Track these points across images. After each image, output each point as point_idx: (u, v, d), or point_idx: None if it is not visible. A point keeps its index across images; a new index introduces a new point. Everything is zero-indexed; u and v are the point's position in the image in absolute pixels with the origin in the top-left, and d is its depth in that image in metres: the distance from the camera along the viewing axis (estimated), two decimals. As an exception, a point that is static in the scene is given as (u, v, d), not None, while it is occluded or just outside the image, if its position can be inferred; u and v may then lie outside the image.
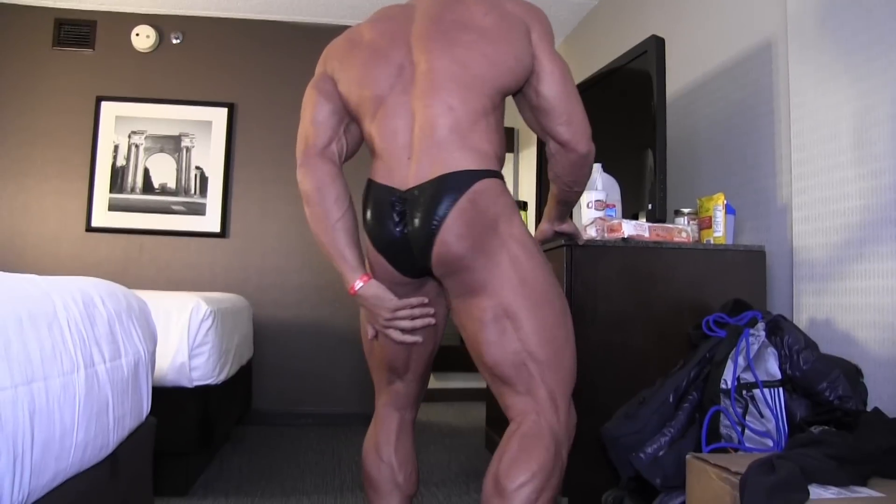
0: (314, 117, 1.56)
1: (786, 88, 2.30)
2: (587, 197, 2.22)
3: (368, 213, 1.50)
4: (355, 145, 1.63)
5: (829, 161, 2.07)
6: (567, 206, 1.74)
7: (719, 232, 2.28)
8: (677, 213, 2.37)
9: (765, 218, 2.40)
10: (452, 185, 1.40)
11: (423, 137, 1.43)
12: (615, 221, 2.15)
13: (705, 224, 2.33)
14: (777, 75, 2.36)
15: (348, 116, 1.58)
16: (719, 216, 2.28)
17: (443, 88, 1.42)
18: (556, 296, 1.45)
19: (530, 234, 1.49)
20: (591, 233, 2.18)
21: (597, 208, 2.21)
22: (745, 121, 2.53)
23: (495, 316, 1.40)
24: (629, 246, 2.15)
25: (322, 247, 1.54)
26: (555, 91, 1.48)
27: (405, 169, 1.45)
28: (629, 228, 2.14)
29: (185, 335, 2.61)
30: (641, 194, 2.41)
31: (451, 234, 1.40)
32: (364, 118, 1.52)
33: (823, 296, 2.08)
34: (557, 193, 1.67)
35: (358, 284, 1.51)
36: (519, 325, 1.40)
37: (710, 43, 2.78)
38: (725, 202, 2.28)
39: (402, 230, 1.46)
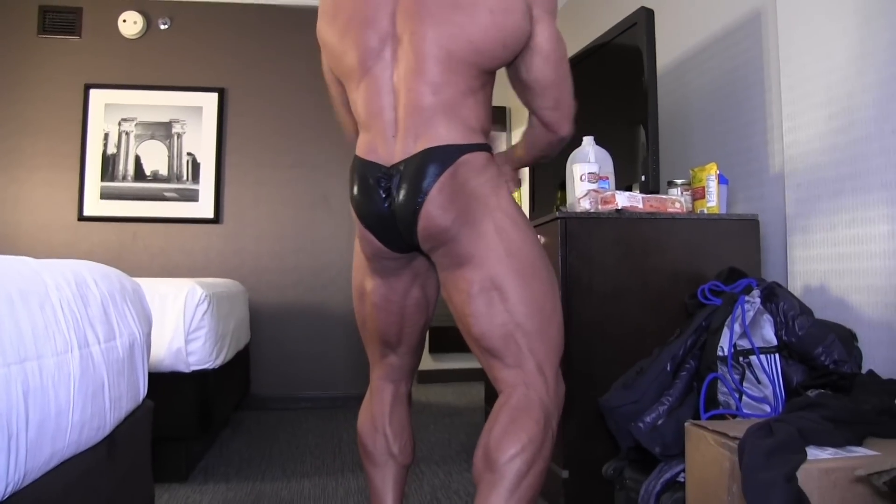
0: (340, 104, 1.68)
1: (776, 57, 2.29)
2: (580, 169, 2.21)
3: (355, 189, 1.49)
4: None
5: (820, 128, 2.06)
6: (530, 161, 1.74)
7: (713, 202, 2.28)
8: (670, 184, 2.37)
9: (758, 187, 2.40)
10: (437, 158, 1.39)
11: (407, 115, 1.42)
12: (609, 193, 2.15)
13: (699, 194, 2.32)
14: (767, 43, 2.35)
15: None
16: (712, 186, 2.28)
17: (428, 71, 1.40)
18: (543, 266, 1.45)
19: (517, 205, 1.48)
20: (584, 205, 2.18)
21: (590, 181, 2.21)
22: (736, 91, 2.52)
23: (482, 287, 1.39)
24: (623, 217, 2.15)
25: None
26: (547, 74, 1.46)
27: (391, 145, 1.44)
28: (623, 200, 2.13)
29: (181, 319, 2.61)
30: (634, 166, 2.40)
31: (436, 207, 1.39)
32: (348, 84, 1.52)
33: (817, 262, 2.08)
34: (525, 151, 1.67)
35: None
36: (506, 297, 1.39)
37: (700, 13, 2.76)
38: (718, 172, 2.28)
39: (388, 205, 1.45)
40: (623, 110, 2.47)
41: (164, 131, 4.24)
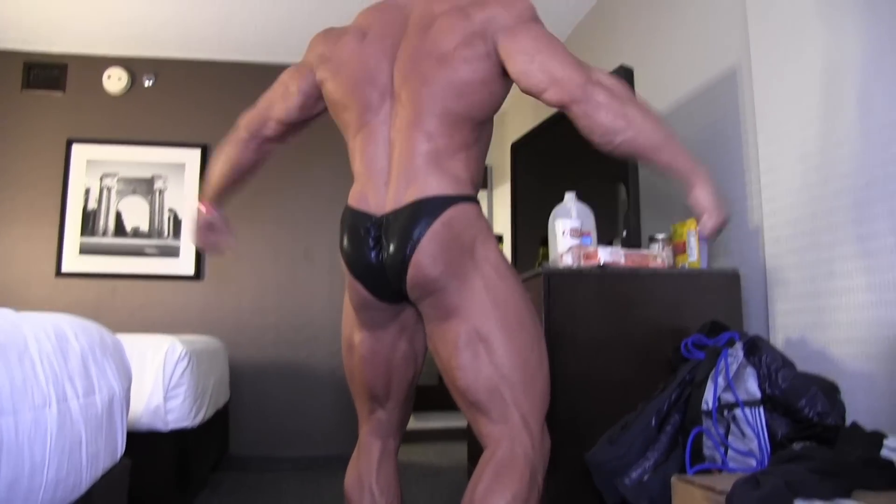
0: (280, 93, 1.77)
1: (752, 113, 2.35)
2: (562, 225, 2.23)
3: (345, 239, 1.51)
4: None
5: (797, 182, 2.10)
6: (651, 164, 1.49)
7: (693, 257, 2.30)
8: (652, 239, 2.39)
9: (737, 241, 2.43)
10: (427, 209, 1.41)
11: (400, 164, 1.45)
12: (591, 248, 2.17)
13: (679, 249, 2.35)
14: (743, 100, 2.41)
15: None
16: (693, 241, 2.31)
17: (423, 125, 1.45)
18: (530, 319, 1.45)
19: (504, 257, 1.50)
20: (567, 260, 2.19)
21: (572, 236, 2.23)
22: (714, 146, 2.57)
23: (468, 339, 1.40)
24: (606, 272, 2.16)
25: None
26: (522, 67, 1.42)
27: (382, 194, 1.47)
28: (605, 255, 2.15)
29: (160, 376, 2.57)
30: (616, 221, 2.43)
31: (425, 256, 1.40)
32: (346, 133, 1.58)
33: (798, 315, 2.10)
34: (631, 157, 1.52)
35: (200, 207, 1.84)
36: (492, 349, 1.39)
37: (678, 71, 2.84)
38: (698, 227, 2.30)
39: (377, 256, 1.46)
40: (605, 167, 2.50)
41: (145, 187, 4.24)
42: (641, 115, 1.40)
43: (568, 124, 2.75)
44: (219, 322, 4.19)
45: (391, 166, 1.47)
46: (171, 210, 4.24)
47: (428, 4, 1.54)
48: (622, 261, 2.18)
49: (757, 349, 1.88)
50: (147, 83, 4.34)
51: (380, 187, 1.47)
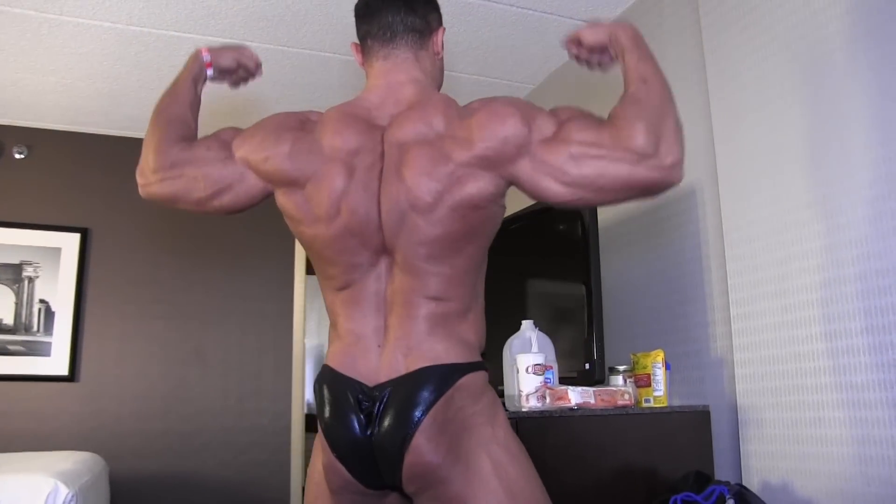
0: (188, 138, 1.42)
1: (715, 237, 2.24)
2: (525, 361, 2.01)
3: (327, 411, 1.24)
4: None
5: (773, 319, 1.98)
6: None
7: (659, 391, 2.13)
8: (612, 370, 2.22)
9: (696, 369, 2.29)
10: (433, 380, 1.19)
11: (399, 327, 1.23)
12: (561, 390, 1.95)
13: (643, 382, 2.17)
14: (705, 222, 2.30)
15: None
16: (659, 374, 2.14)
17: (424, 289, 1.23)
18: None
19: (515, 435, 1.27)
20: (532, 402, 1.97)
21: (535, 372, 2.01)
22: (674, 264, 2.44)
23: None
24: (576, 415, 1.95)
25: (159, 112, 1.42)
26: (594, 176, 1.16)
27: (373, 358, 1.24)
28: (576, 396, 1.94)
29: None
30: (575, 350, 2.24)
31: (427, 439, 1.16)
32: (319, 271, 1.32)
33: (777, 460, 1.95)
34: None
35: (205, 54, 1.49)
36: None
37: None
38: (665, 360, 2.15)
39: (365, 432, 1.20)
40: (562, 285, 2.33)
41: (12, 274, 3.70)
42: (640, 99, 1.19)
43: (524, 232, 2.57)
44: (95, 430, 3.65)
45: (387, 329, 1.24)
46: (42, 301, 3.70)
47: (400, 124, 1.27)
48: (592, 401, 1.98)
49: (746, 502, 1.74)
50: (18, 155, 3.81)
51: (370, 351, 1.24)
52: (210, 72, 1.50)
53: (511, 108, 1.20)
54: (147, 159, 1.37)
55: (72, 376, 3.68)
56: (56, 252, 3.77)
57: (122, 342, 3.79)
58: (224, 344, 3.95)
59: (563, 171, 1.16)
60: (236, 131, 1.38)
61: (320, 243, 1.27)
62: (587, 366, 2.15)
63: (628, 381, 2.18)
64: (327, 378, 1.25)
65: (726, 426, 2.15)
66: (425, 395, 1.17)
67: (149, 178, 1.37)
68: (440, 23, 1.41)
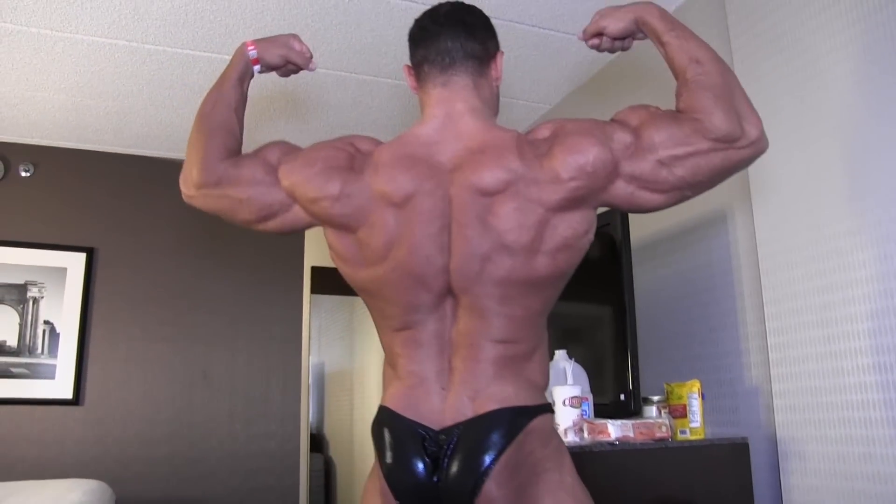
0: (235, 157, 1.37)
1: (748, 263, 2.19)
2: (562, 394, 1.95)
3: (388, 455, 1.18)
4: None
5: (817, 349, 1.93)
6: None
7: (696, 422, 2.08)
8: (646, 401, 2.15)
9: (730, 398, 2.23)
10: (504, 424, 1.14)
11: (466, 370, 1.18)
12: (600, 423, 1.90)
13: (678, 412, 2.12)
14: (737, 247, 2.25)
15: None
16: (695, 405, 2.09)
17: (491, 332, 1.18)
18: None
19: (580, 481, 1.22)
20: (570, 437, 1.91)
21: (572, 405, 1.95)
22: (704, 293, 2.38)
23: None
24: (617, 450, 1.89)
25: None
26: (690, 172, 1.14)
27: (437, 401, 1.19)
28: (615, 431, 1.89)
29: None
30: (604, 379, 2.18)
31: (496, 485, 1.12)
32: (382, 322, 1.28)
33: (823, 494, 1.89)
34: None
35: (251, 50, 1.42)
36: None
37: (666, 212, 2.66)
38: (701, 390, 2.09)
39: (432, 478, 1.16)
40: (595, 313, 2.28)
41: (16, 295, 3.61)
42: (704, 84, 1.16)
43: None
44: (100, 455, 3.56)
45: (452, 371, 1.19)
46: (47, 323, 3.62)
47: (473, 169, 1.19)
48: (632, 434, 1.92)
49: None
50: (24, 173, 3.74)
51: (434, 393, 1.19)
52: (257, 68, 1.45)
53: (586, 136, 1.15)
54: (191, 172, 1.32)
55: (76, 400, 3.58)
56: (62, 272, 3.69)
57: (128, 364, 3.70)
58: (231, 367, 3.87)
59: (658, 180, 1.14)
60: (283, 152, 1.32)
61: (377, 284, 1.22)
62: (622, 396, 2.09)
63: (663, 412, 2.12)
64: (388, 421, 1.20)
65: (765, 458, 2.09)
66: (495, 438, 1.12)
67: (192, 192, 1.34)
68: (498, 47, 1.35)
